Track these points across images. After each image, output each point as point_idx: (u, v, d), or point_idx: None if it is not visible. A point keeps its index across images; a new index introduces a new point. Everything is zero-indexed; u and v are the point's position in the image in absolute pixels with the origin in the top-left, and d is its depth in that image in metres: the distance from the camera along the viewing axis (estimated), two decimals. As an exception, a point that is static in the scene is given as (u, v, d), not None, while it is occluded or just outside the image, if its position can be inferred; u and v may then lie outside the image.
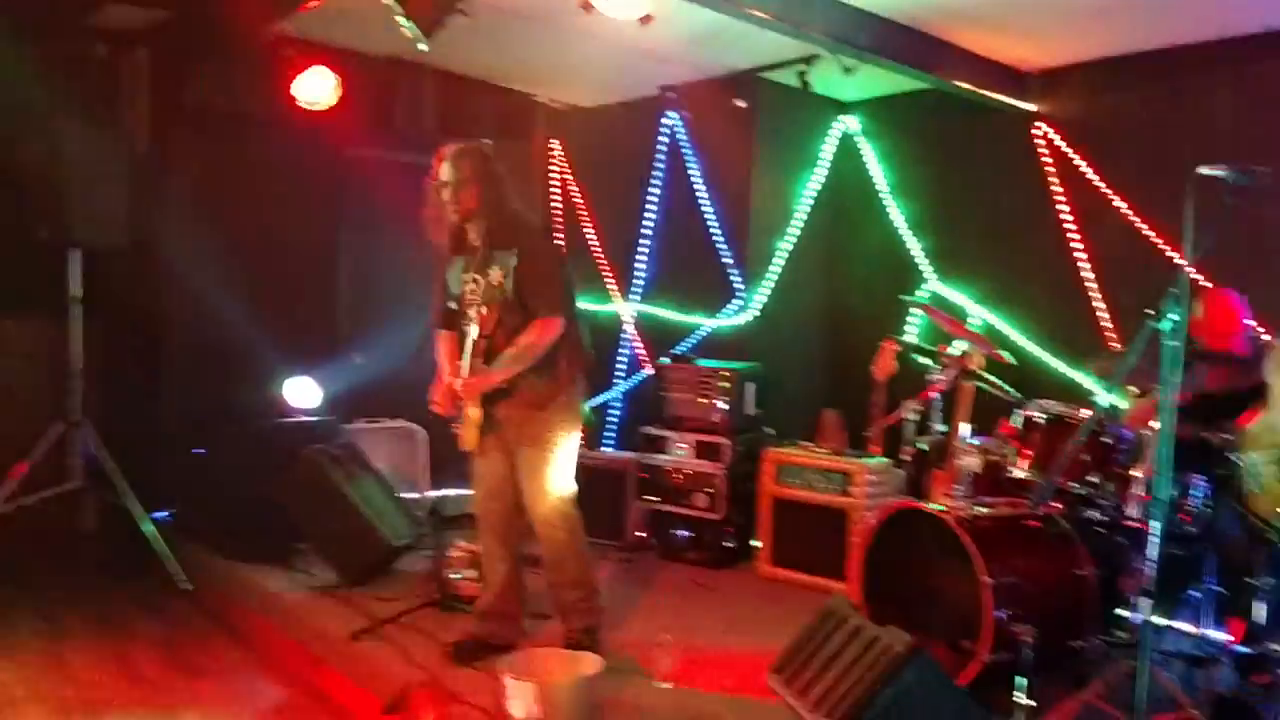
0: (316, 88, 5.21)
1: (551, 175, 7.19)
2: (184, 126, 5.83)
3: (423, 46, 3.84)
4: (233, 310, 5.66)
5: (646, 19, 3.59)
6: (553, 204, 7.17)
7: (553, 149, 7.22)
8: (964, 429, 4.41)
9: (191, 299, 5.75)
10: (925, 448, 4.54)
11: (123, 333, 5.74)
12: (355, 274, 6.52)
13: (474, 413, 3.83)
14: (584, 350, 4.01)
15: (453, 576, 4.58)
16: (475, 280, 3.87)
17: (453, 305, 3.98)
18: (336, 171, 6.28)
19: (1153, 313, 2.39)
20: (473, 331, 3.81)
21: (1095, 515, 3.74)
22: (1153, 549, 2.36)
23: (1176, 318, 2.34)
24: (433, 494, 5.95)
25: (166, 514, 5.48)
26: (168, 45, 5.63)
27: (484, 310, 3.80)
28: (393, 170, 6.63)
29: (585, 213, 7.01)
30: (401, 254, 6.53)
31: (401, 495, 5.51)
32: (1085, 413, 3.80)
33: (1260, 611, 3.54)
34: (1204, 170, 2.41)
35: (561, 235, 7.06)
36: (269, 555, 5.07)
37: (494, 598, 4.05)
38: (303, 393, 5.83)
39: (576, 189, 7.10)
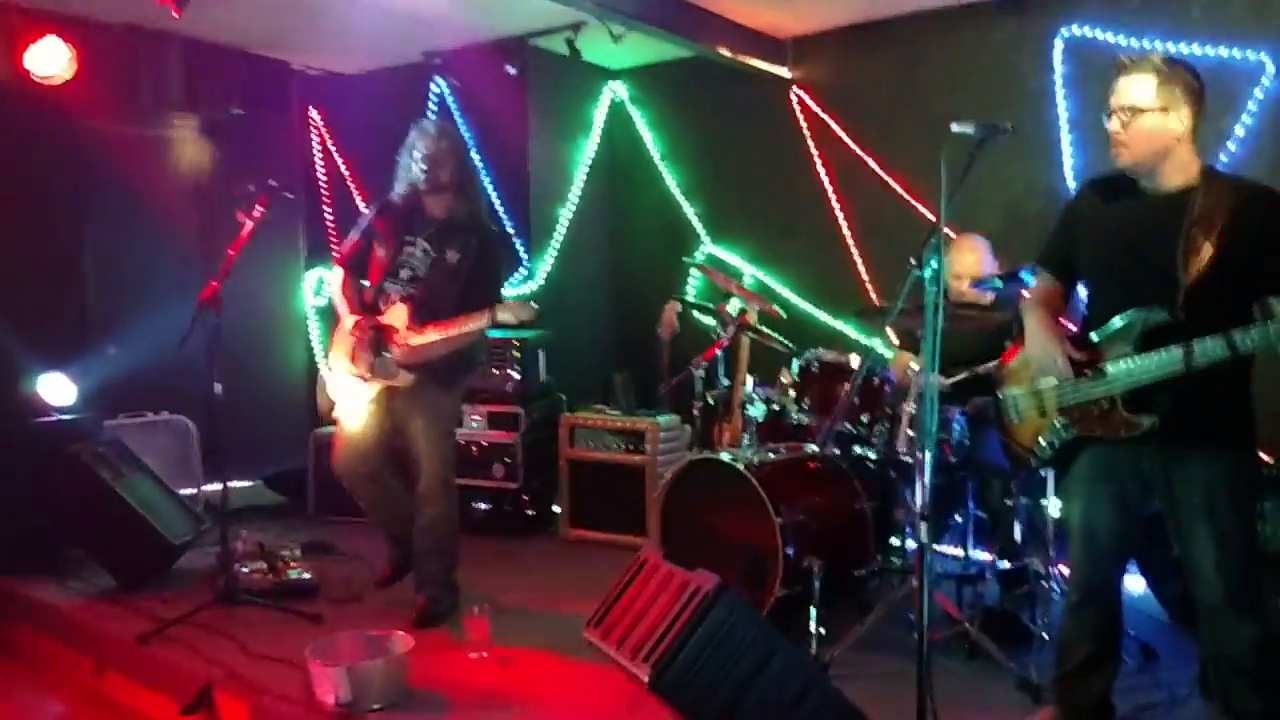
0: (50, 59, 4.79)
1: (312, 145, 6.93)
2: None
3: (174, 15, 3.61)
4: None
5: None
6: (317, 175, 6.91)
7: (312, 118, 6.95)
8: (747, 381, 4.63)
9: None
10: (713, 402, 4.74)
11: None
12: (103, 256, 6.01)
13: (406, 377, 3.98)
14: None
15: (240, 569, 4.41)
16: (425, 250, 4.06)
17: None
18: (77, 147, 5.76)
19: (915, 262, 2.59)
20: (400, 291, 4.03)
21: (868, 453, 4.03)
22: (926, 476, 2.58)
23: (936, 266, 2.55)
24: (208, 487, 5.67)
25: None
26: None
27: (419, 278, 4.03)
28: (138, 144, 6.24)
29: (353, 184, 6.80)
30: (153, 232, 6.16)
31: (176, 491, 5.22)
32: (855, 359, 4.08)
33: (1017, 530, 3.95)
34: (954, 127, 2.62)
35: (330, 207, 6.84)
36: (36, 564, 4.70)
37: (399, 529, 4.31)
38: (55, 389, 5.38)
39: (341, 160, 6.87)
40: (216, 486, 4.46)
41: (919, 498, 2.66)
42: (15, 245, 5.46)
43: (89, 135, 5.74)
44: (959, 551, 4.13)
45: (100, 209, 6.00)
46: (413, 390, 4.02)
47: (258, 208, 4.20)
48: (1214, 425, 2.68)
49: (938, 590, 3.92)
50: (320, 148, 6.95)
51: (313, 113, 6.95)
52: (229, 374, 4.23)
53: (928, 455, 2.60)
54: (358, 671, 3.26)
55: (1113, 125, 2.71)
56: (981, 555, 4.13)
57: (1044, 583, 3.76)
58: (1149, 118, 2.64)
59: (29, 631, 4.34)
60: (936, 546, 4.72)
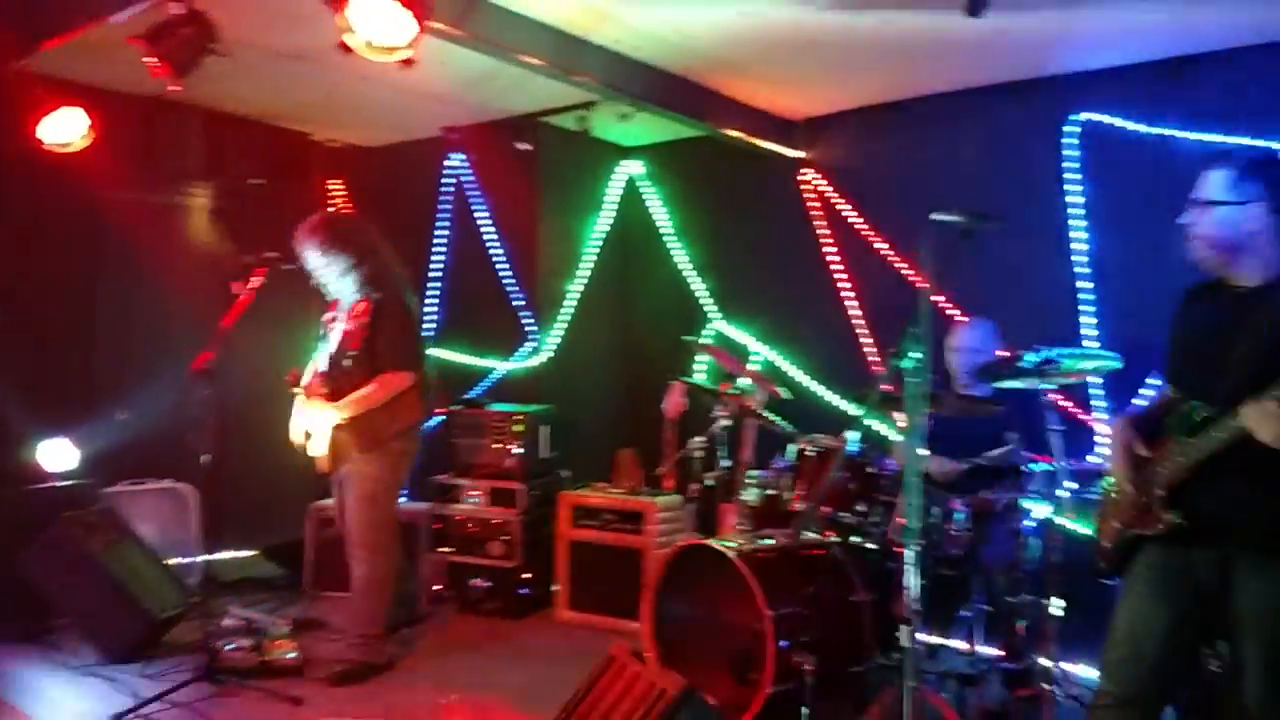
0: (65, 129, 4.84)
1: (333, 218, 6.98)
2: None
3: (173, 88, 3.65)
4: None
5: (407, 63, 3.53)
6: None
7: (333, 190, 7.01)
8: (747, 464, 4.53)
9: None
10: (712, 483, 4.63)
11: None
12: (116, 322, 6.05)
13: (321, 440, 4.33)
14: (421, 405, 4.47)
15: (225, 647, 4.32)
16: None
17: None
18: (93, 214, 5.83)
19: (894, 351, 2.51)
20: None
21: (866, 543, 3.89)
22: (909, 575, 2.45)
23: (918, 355, 2.46)
24: (206, 558, 5.60)
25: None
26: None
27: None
28: (155, 212, 6.29)
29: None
30: (167, 300, 6.18)
31: (170, 561, 5.16)
32: (849, 444, 3.97)
33: (1022, 628, 3.77)
34: (937, 216, 2.55)
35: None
36: (20, 635, 4.64)
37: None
38: (56, 455, 5.37)
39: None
40: (214, 556, 4.46)
41: (907, 595, 2.54)
42: (27, 311, 5.51)
43: (105, 203, 5.80)
44: (967, 646, 3.96)
45: (114, 276, 6.04)
46: (341, 453, 4.34)
47: (253, 278, 4.20)
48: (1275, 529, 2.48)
49: (940, 689, 3.74)
50: (340, 218, 6.99)
51: (333, 184, 7.02)
52: (233, 441, 4.23)
53: (909, 550, 2.48)
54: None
55: (1186, 219, 2.63)
56: (989, 651, 3.95)
57: (1047, 685, 3.57)
58: (1220, 210, 2.57)
59: (6, 705, 4.24)
60: (944, 641, 4.54)
